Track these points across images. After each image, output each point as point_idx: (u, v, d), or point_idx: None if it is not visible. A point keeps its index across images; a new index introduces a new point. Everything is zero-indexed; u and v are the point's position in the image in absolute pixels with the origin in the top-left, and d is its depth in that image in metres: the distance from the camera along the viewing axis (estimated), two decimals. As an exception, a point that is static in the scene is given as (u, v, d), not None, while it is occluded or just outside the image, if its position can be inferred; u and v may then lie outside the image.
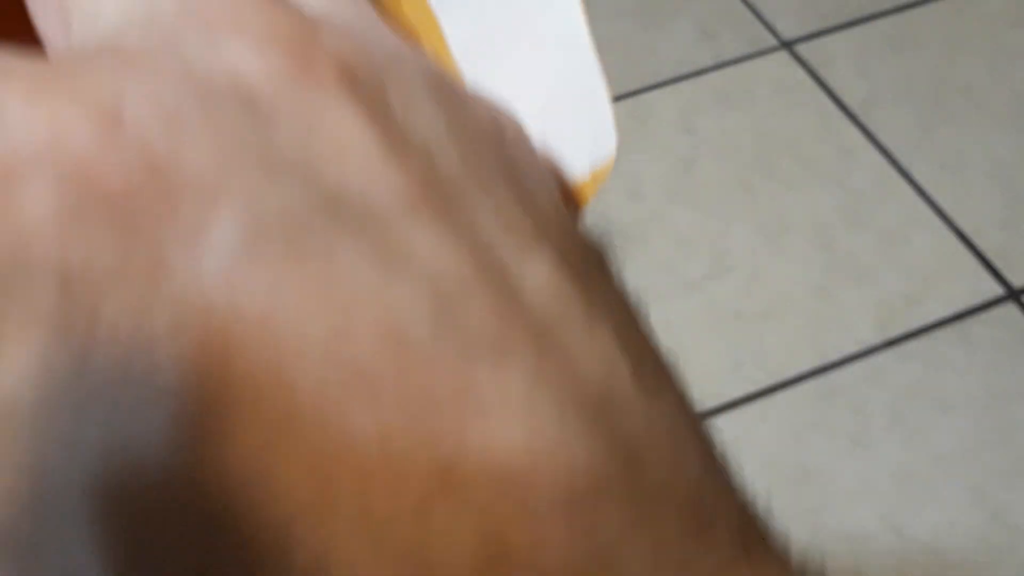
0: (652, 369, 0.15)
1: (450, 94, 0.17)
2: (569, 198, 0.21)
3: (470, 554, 0.13)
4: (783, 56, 1.34)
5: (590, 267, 0.16)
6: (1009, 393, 1.08)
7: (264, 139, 0.15)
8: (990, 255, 1.18)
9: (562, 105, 0.22)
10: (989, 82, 1.32)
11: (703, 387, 1.07)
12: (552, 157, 0.19)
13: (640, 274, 1.14)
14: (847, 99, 1.30)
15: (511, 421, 0.13)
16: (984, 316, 1.13)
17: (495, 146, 0.17)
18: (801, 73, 1.32)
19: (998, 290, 1.15)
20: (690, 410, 0.15)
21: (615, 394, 0.14)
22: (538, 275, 0.15)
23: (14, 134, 0.14)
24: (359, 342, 0.13)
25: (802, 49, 1.34)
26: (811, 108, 1.29)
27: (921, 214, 1.21)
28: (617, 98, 1.28)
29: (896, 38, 1.36)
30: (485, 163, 0.16)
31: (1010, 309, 1.14)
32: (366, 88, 0.16)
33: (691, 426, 0.15)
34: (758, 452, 1.03)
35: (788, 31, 1.36)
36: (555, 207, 0.17)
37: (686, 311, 1.12)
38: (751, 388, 1.07)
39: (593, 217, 1.18)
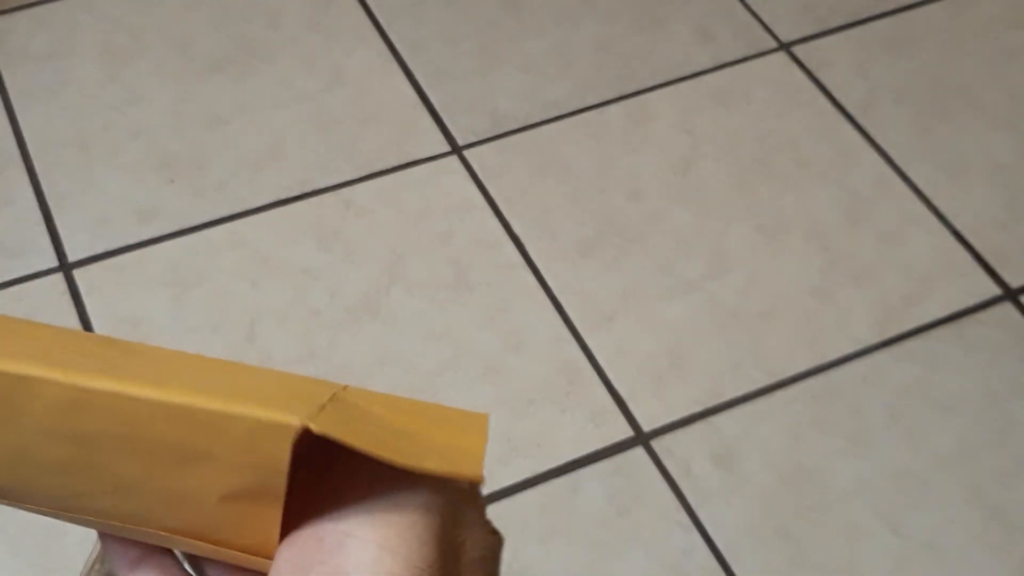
0: None
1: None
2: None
3: None
4: (781, 57, 1.34)
5: None
6: (1006, 392, 1.08)
7: None
8: (987, 255, 1.18)
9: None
10: (987, 83, 1.33)
11: (702, 386, 1.07)
12: None
13: (639, 274, 1.15)
14: (845, 100, 1.30)
15: None
16: (981, 316, 1.14)
17: None
18: (799, 74, 1.32)
19: (995, 290, 1.16)
20: None
21: None
22: None
23: None
24: None
25: (800, 50, 1.35)
26: (809, 109, 1.29)
27: (919, 214, 1.21)
28: (616, 99, 1.29)
29: (894, 39, 1.37)
30: None
31: (1007, 309, 1.14)
32: None
33: None
34: (757, 451, 1.04)
35: (786, 32, 1.37)
36: None
37: (685, 311, 1.12)
38: (750, 387, 1.08)
39: (593, 218, 1.19)
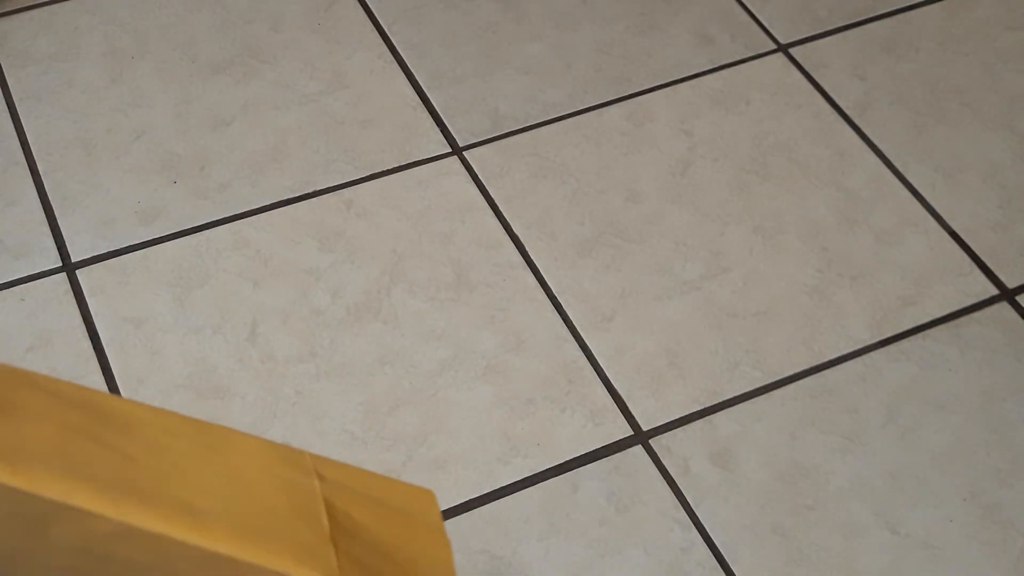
0: None
1: None
2: None
3: None
4: (779, 59, 1.35)
5: None
6: (1002, 392, 1.09)
7: None
8: (984, 255, 1.19)
9: None
10: (982, 84, 1.33)
11: (700, 385, 1.08)
12: None
13: (638, 274, 1.15)
14: (842, 101, 1.31)
15: None
16: (978, 316, 1.14)
17: None
18: (797, 75, 1.33)
19: (992, 290, 1.16)
20: None
21: None
22: None
23: None
24: None
25: (798, 52, 1.36)
26: (807, 110, 1.30)
27: (915, 215, 1.22)
28: (615, 101, 1.30)
29: (891, 41, 1.37)
30: None
31: (1003, 309, 1.15)
32: None
33: None
34: (755, 449, 1.04)
35: (784, 34, 1.37)
36: None
37: (683, 310, 1.13)
38: (747, 387, 1.08)
39: (592, 218, 1.19)
